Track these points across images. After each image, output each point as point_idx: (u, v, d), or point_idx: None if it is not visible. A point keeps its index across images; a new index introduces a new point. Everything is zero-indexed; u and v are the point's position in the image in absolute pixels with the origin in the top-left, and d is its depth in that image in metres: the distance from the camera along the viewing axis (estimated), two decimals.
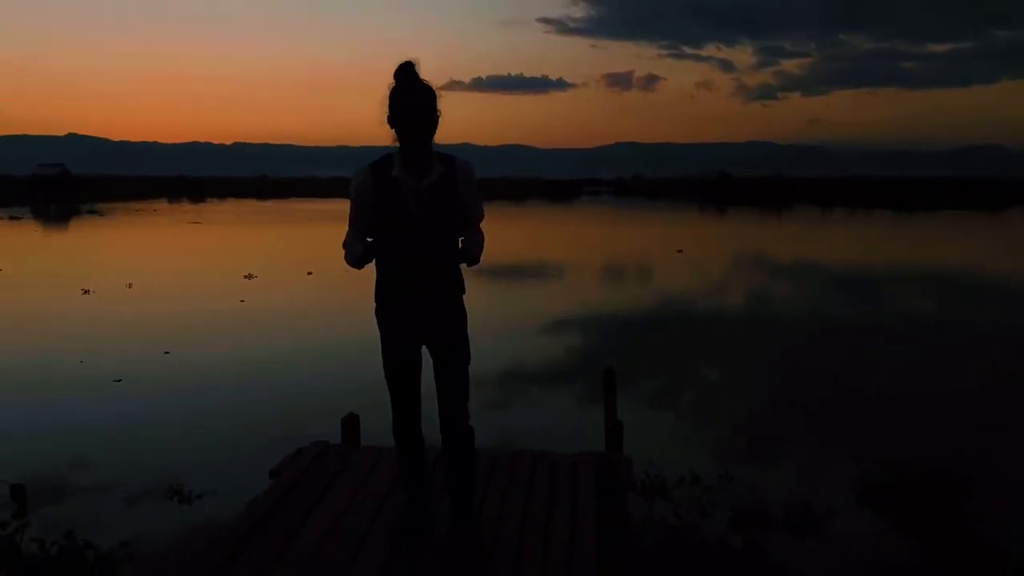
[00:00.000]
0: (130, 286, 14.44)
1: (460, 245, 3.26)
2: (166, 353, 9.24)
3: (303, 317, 12.00)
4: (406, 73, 3.04)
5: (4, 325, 11.16)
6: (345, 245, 3.27)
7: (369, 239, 3.21)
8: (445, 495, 3.54)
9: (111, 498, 4.97)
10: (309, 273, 16.77)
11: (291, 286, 15.21)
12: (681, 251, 22.54)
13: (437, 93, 3.09)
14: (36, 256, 21.49)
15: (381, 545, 3.22)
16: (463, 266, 3.29)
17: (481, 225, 3.34)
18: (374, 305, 3.27)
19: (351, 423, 4.62)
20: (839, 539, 4.47)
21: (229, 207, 53.99)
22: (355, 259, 3.25)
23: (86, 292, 13.58)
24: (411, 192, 3.11)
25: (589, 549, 2.96)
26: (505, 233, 29.11)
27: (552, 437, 5.73)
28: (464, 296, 3.29)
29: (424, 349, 3.27)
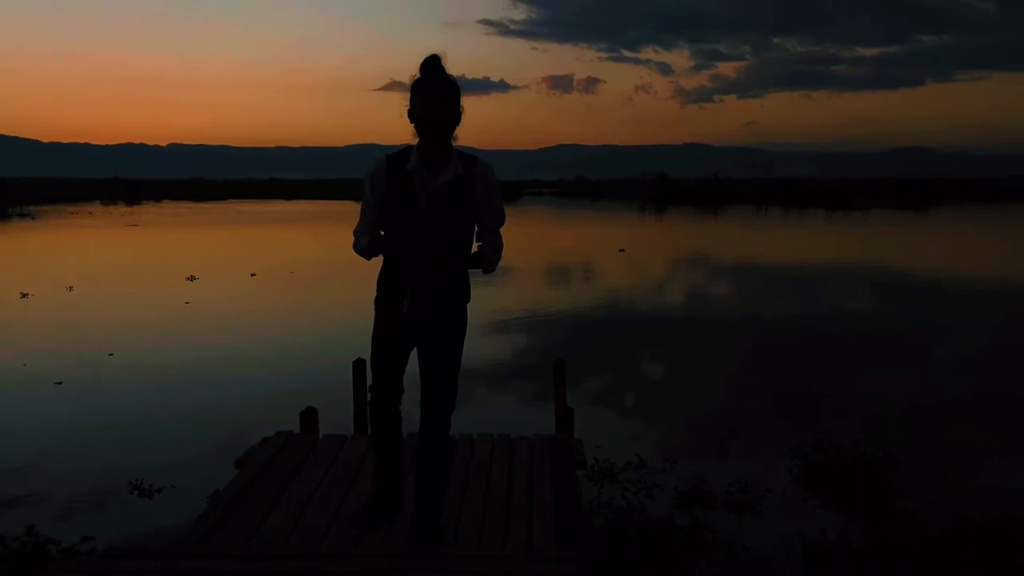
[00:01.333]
0: (70, 289, 14.18)
1: (476, 250, 3.14)
2: (110, 355, 9.16)
3: (249, 317, 11.96)
4: (431, 66, 2.98)
5: None
6: (355, 233, 3.18)
7: (382, 232, 3.12)
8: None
9: (67, 497, 4.98)
10: (253, 275, 16.67)
11: (235, 287, 15.10)
12: (623, 250, 22.98)
13: (460, 89, 3.00)
14: None
15: (348, 528, 3.36)
16: (474, 272, 3.17)
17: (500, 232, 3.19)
18: (375, 294, 3.19)
19: (310, 416, 4.74)
20: (776, 515, 4.76)
21: (166, 209, 52.92)
22: (362, 250, 3.16)
23: (24, 296, 13.29)
24: (424, 188, 3.02)
25: (547, 519, 3.17)
26: None
27: (507, 425, 5.93)
28: (468, 304, 3.20)
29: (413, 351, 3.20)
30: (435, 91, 2.94)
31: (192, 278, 15.78)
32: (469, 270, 3.15)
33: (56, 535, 4.22)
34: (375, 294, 3.19)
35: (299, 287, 15.46)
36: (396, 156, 3.10)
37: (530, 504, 3.37)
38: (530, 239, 27.38)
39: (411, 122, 3.01)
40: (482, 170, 3.11)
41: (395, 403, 3.27)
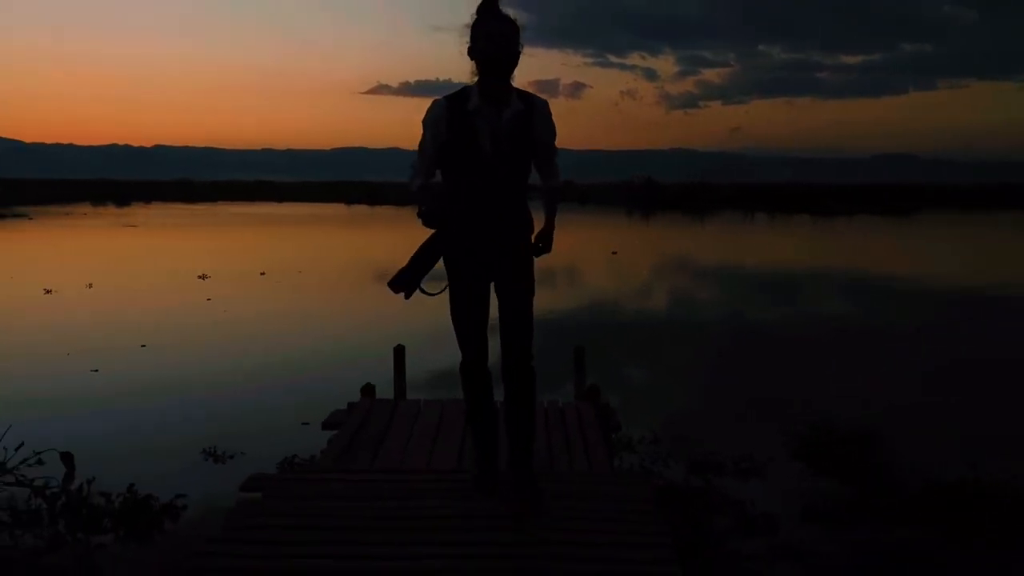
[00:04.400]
0: (90, 286, 14.71)
1: (542, 181, 3.30)
2: (142, 346, 9.72)
3: (272, 313, 12.56)
4: (489, 4, 3.03)
5: None
6: (412, 173, 3.23)
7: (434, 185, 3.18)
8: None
9: (151, 461, 5.58)
10: (262, 273, 17.21)
11: (248, 286, 15.66)
12: (616, 252, 23.67)
13: (520, 27, 3.05)
14: None
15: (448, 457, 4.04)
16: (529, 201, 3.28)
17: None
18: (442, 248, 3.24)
19: (369, 391, 5.36)
20: (779, 479, 5.44)
21: (157, 211, 53.16)
22: (412, 191, 3.22)
23: (48, 292, 13.82)
24: (487, 126, 3.06)
25: (602, 457, 3.88)
26: None
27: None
28: (532, 235, 3.29)
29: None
30: (498, 27, 3.00)
31: (203, 276, 16.30)
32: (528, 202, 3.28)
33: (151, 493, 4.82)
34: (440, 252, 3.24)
35: (311, 285, 16.08)
36: (455, 97, 3.11)
37: (586, 447, 4.06)
38: None
39: (472, 59, 3.06)
40: (541, 105, 3.17)
41: (483, 358, 3.36)
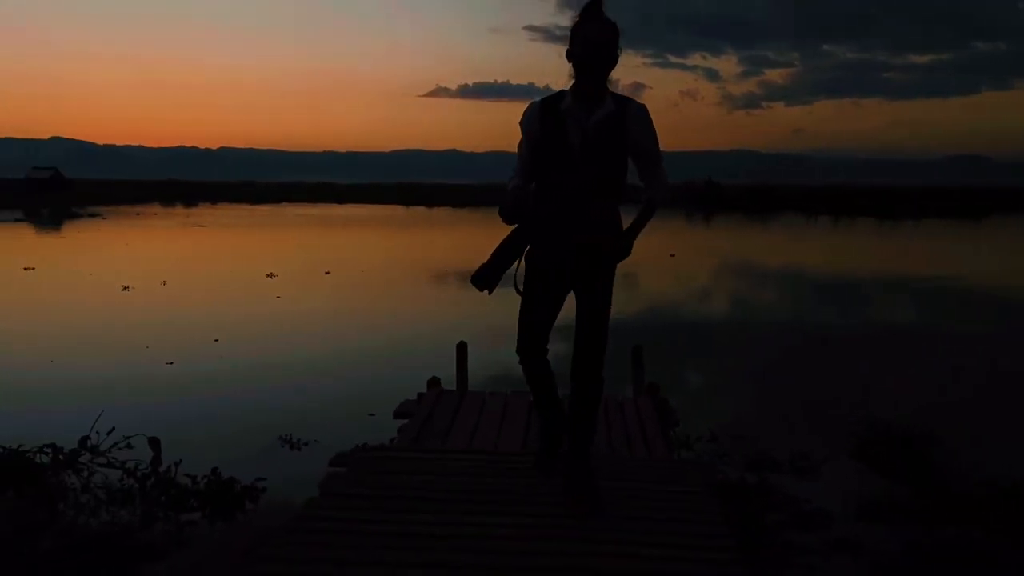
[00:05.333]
0: (164, 283, 15.36)
1: (644, 189, 3.28)
2: (215, 340, 10.16)
3: (338, 311, 12.97)
4: (591, 7, 3.08)
5: (75, 316, 12.08)
6: (512, 174, 3.31)
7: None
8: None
9: (230, 447, 5.92)
10: (327, 272, 17.69)
11: (314, 284, 16.13)
12: (674, 255, 23.62)
13: (620, 32, 3.09)
14: (61, 257, 22.29)
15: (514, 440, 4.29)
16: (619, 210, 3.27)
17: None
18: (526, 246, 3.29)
19: (435, 384, 5.61)
20: (834, 478, 5.51)
21: (224, 211, 54.70)
22: (508, 191, 3.26)
23: (125, 289, 14.49)
24: (576, 126, 3.11)
25: (661, 448, 4.05)
26: (501, 239, 29.92)
27: None
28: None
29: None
30: (594, 31, 3.06)
31: (271, 275, 16.84)
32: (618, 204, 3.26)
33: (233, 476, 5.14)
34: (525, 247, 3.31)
35: (374, 283, 16.51)
36: (550, 98, 3.20)
37: (646, 441, 4.23)
38: None
39: (570, 62, 3.11)
40: (636, 108, 3.18)
41: (543, 359, 3.43)
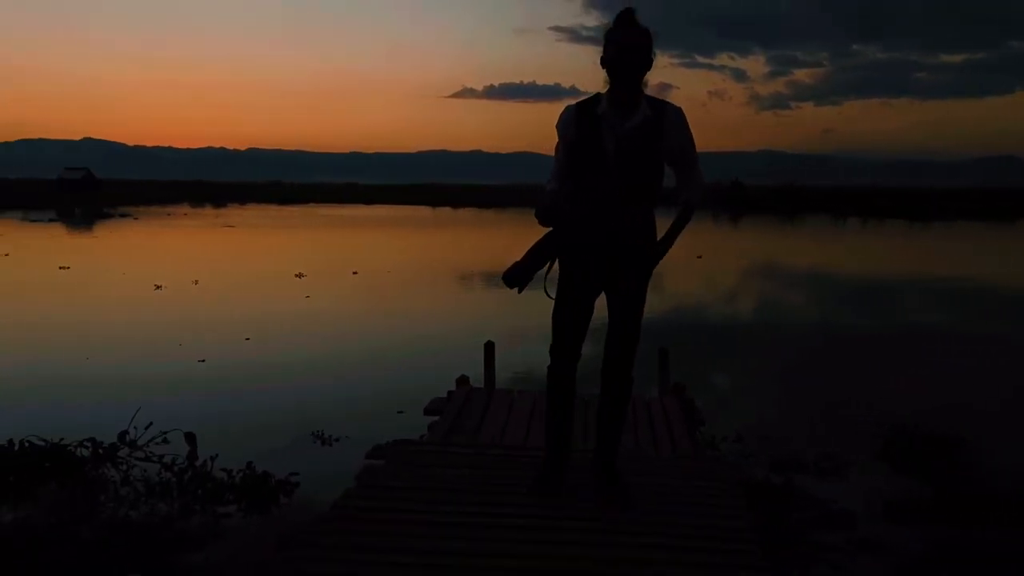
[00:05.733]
0: (196, 283, 15.62)
1: (679, 192, 3.31)
2: (246, 339, 10.33)
3: (365, 311, 13.13)
4: (625, 14, 3.13)
5: (109, 314, 12.36)
6: (549, 177, 3.36)
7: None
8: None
9: (263, 442, 6.04)
10: (354, 273, 17.88)
11: (341, 284, 16.31)
12: (700, 257, 23.57)
13: (654, 37, 3.12)
14: (95, 256, 22.71)
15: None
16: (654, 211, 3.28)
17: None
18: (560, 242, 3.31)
19: (464, 382, 5.71)
20: (859, 479, 5.53)
21: (252, 212, 55.29)
22: (546, 193, 3.30)
23: (158, 287, 14.76)
24: (611, 131, 3.13)
25: (686, 446, 4.11)
26: (527, 240, 29.99)
27: None
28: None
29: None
30: (626, 37, 3.11)
31: (300, 275, 17.05)
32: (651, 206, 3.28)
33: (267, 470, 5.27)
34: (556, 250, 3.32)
35: (400, 284, 16.67)
36: (586, 102, 3.24)
37: (672, 439, 4.30)
38: None
39: (604, 68, 3.16)
40: (672, 112, 3.22)
41: (572, 364, 3.44)
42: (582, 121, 3.21)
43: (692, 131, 3.28)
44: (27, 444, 5.47)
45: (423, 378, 7.61)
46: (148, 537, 4.37)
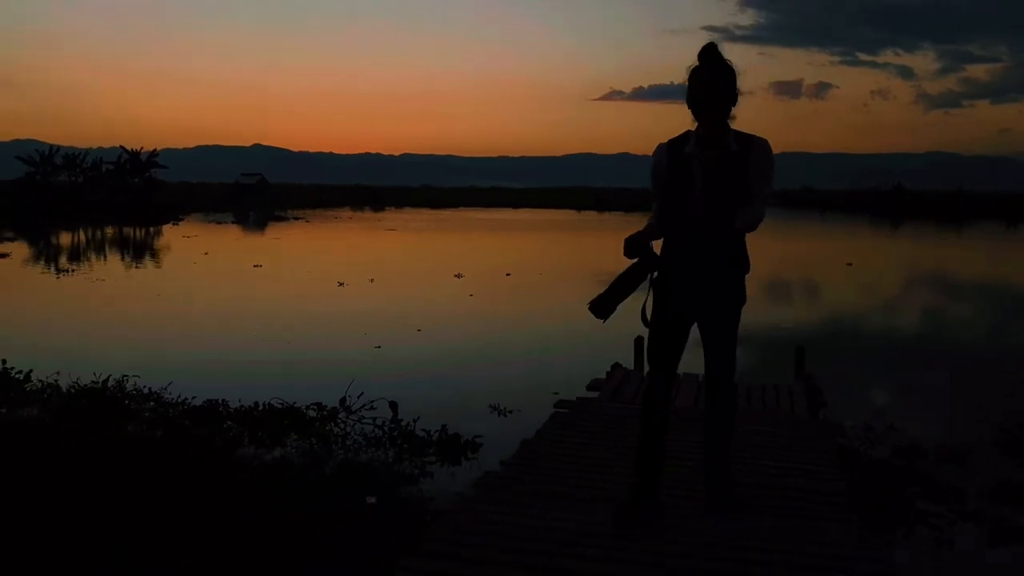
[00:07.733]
0: (372, 280, 17.42)
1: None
2: (418, 330, 11.71)
3: (523, 309, 14.36)
4: (706, 52, 3.18)
5: (305, 306, 14.18)
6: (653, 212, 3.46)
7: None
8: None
9: (449, 412, 7.21)
10: (508, 274, 19.17)
11: (497, 285, 17.60)
12: (850, 264, 23.34)
13: (737, 73, 3.17)
14: (281, 255, 25.27)
15: None
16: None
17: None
18: (654, 275, 3.44)
19: (617, 368, 6.73)
20: (977, 465, 6.06)
21: (408, 215, 58.29)
22: (647, 227, 3.42)
23: (341, 285, 16.61)
24: (700, 168, 3.21)
25: (803, 415, 5.02)
26: None
27: None
28: (747, 276, 3.45)
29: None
30: (710, 73, 3.17)
31: (459, 275, 18.50)
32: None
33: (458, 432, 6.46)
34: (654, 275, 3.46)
35: (552, 284, 17.86)
36: (676, 140, 3.33)
37: (793, 413, 5.18)
38: (757, 249, 28.17)
39: (689, 107, 3.24)
40: (758, 147, 3.27)
41: (668, 390, 3.55)
42: (673, 159, 3.32)
43: (774, 164, 3.37)
44: (268, 406, 6.97)
45: (576, 367, 8.64)
46: (374, 474, 5.65)
